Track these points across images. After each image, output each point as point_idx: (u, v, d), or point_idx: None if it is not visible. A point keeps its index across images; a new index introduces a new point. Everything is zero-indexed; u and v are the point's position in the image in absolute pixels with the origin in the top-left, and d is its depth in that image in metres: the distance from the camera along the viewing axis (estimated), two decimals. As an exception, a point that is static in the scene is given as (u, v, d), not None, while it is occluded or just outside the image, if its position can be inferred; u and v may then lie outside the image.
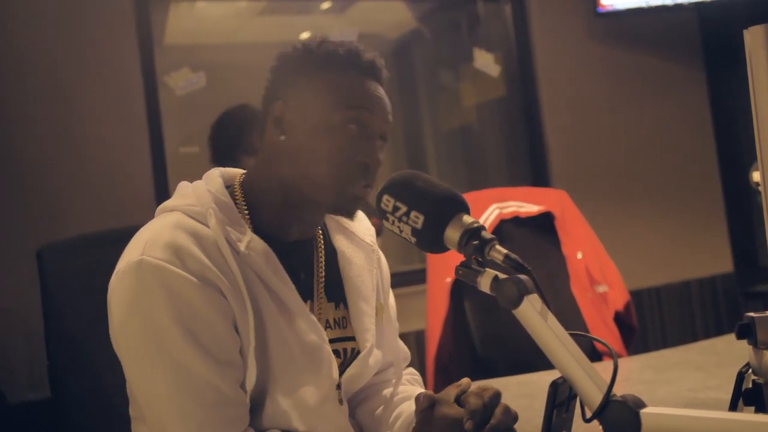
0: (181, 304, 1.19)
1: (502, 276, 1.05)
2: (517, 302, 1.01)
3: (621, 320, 2.93)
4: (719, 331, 4.50)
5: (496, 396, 1.22)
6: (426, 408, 1.22)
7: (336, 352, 1.39)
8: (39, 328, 1.60)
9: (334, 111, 1.31)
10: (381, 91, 1.37)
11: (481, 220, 2.85)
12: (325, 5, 4.53)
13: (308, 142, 1.31)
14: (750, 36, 0.97)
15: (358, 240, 1.50)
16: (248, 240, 1.28)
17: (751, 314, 1.00)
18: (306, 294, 1.38)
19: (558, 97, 4.34)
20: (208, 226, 1.26)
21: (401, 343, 1.61)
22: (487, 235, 1.07)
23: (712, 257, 4.61)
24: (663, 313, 4.49)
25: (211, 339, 1.21)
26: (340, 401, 1.36)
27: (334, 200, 1.33)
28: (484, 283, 1.06)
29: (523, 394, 1.81)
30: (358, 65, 1.35)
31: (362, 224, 1.53)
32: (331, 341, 1.38)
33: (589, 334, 1.08)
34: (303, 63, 1.35)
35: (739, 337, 1.01)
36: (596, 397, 0.96)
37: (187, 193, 1.34)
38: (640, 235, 4.40)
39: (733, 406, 1.04)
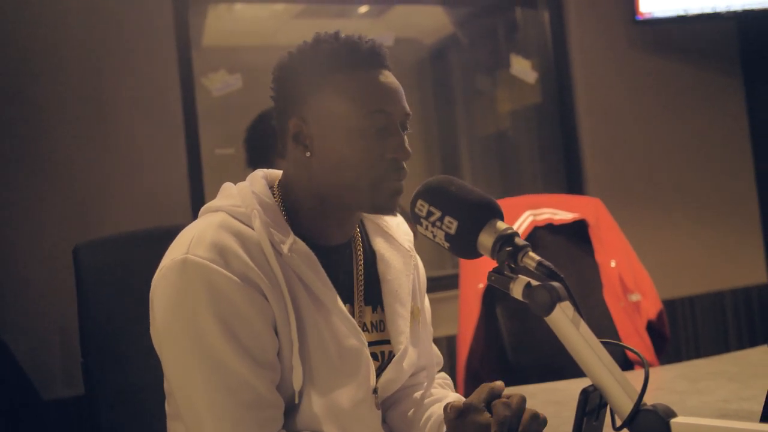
0: (222, 303, 1.21)
1: (534, 283, 1.05)
2: (550, 309, 1.02)
3: (653, 329, 2.91)
4: (753, 342, 4.45)
5: (523, 401, 1.22)
6: (453, 419, 1.22)
7: (374, 355, 1.40)
8: (73, 325, 1.62)
9: (352, 117, 1.30)
10: (390, 79, 1.34)
11: (515, 227, 2.86)
12: (363, 9, 4.55)
13: (334, 152, 1.31)
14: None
15: (397, 244, 1.50)
16: (291, 242, 1.29)
17: (785, 326, 0.99)
18: (346, 297, 1.38)
19: (594, 104, 4.32)
20: (252, 228, 1.28)
21: (435, 348, 1.62)
22: (520, 241, 1.07)
23: (747, 268, 4.56)
24: (696, 323, 4.44)
25: (251, 339, 1.22)
26: (377, 406, 1.37)
27: (373, 201, 1.32)
28: (517, 290, 1.06)
29: (552, 401, 1.81)
30: (360, 59, 1.32)
31: (401, 228, 1.53)
32: (369, 344, 1.39)
33: (620, 343, 1.08)
34: (306, 72, 1.33)
35: (773, 349, 1.00)
36: (627, 406, 0.96)
37: (231, 194, 1.35)
38: (674, 245, 4.36)
39: (764, 418, 1.03)
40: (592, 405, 1.03)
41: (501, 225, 1.10)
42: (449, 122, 5.26)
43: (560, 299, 1.02)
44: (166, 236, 1.33)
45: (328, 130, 1.31)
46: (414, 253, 1.52)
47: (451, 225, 1.11)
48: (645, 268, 3.05)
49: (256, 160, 2.95)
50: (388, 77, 1.34)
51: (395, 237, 1.50)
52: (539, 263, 1.04)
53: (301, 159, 1.34)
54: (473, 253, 1.11)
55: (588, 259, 2.91)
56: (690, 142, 4.48)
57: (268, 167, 1.49)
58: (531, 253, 1.06)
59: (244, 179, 1.41)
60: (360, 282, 1.42)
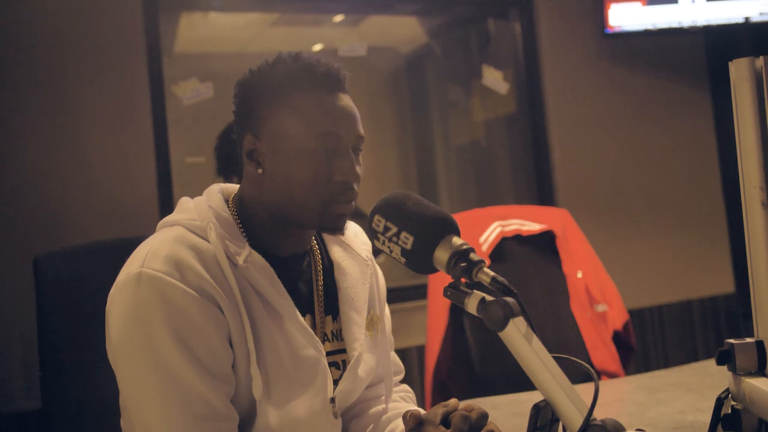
0: (178, 317, 1.21)
1: (489, 298, 1.06)
2: (503, 324, 1.03)
3: (620, 340, 2.94)
4: (721, 352, 4.49)
5: (483, 417, 1.23)
6: (413, 427, 1.23)
7: (335, 365, 1.41)
8: (35, 337, 1.61)
9: (303, 138, 1.31)
10: (345, 102, 1.36)
11: (483, 238, 2.89)
12: (338, 18, 4.55)
13: (284, 171, 1.32)
14: (734, 68, 0.99)
15: (354, 253, 1.51)
16: (247, 254, 1.29)
17: (731, 341, 1.02)
18: (306, 308, 1.40)
19: (565, 115, 4.36)
20: (208, 241, 1.28)
21: (395, 357, 1.63)
22: (475, 257, 1.09)
23: (715, 277, 4.61)
24: (665, 332, 4.49)
25: (206, 352, 1.22)
26: (335, 415, 1.38)
27: (319, 221, 1.35)
28: (471, 305, 1.07)
29: (516, 413, 1.82)
30: (316, 81, 1.34)
31: (359, 238, 1.55)
32: (330, 353, 1.40)
33: (572, 357, 1.09)
34: (262, 90, 1.35)
35: (719, 363, 1.02)
36: (577, 421, 0.97)
37: (188, 208, 1.36)
38: (643, 255, 4.40)
39: (712, 430, 1.05)
40: (544, 420, 1.05)
41: (456, 240, 1.11)
42: (425, 131, 5.29)
43: (513, 314, 1.03)
44: (129, 247, 1.34)
45: (279, 149, 1.33)
46: (372, 262, 1.53)
47: (407, 240, 1.12)
48: (613, 279, 3.07)
49: (226, 169, 2.95)
50: (343, 100, 1.36)
51: (352, 246, 1.52)
52: (493, 278, 1.05)
53: (254, 175, 1.36)
54: (429, 268, 1.12)
55: (555, 270, 2.93)
56: (658, 153, 4.54)
57: (238, 177, 1.50)
58: (485, 269, 1.07)
59: None
60: (319, 292, 1.43)
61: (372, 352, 1.47)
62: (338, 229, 1.37)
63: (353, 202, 1.36)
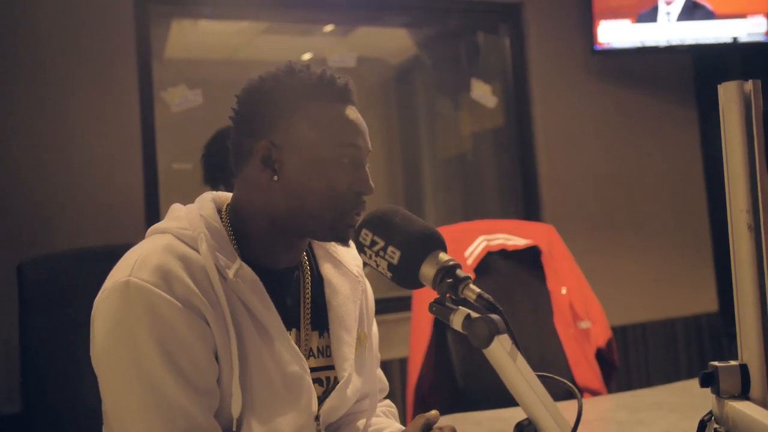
0: (163, 328, 1.20)
1: (474, 315, 1.06)
2: (488, 342, 1.03)
3: (603, 357, 2.94)
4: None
5: None
6: None
7: (319, 381, 1.40)
8: (16, 341, 1.59)
9: (325, 147, 1.32)
10: (359, 115, 1.39)
11: (469, 252, 2.89)
12: (328, 28, 4.56)
13: (302, 178, 1.32)
14: (723, 91, 0.99)
15: (345, 269, 1.51)
16: (237, 267, 1.28)
17: (715, 363, 1.02)
18: (291, 322, 1.39)
19: (552, 131, 4.37)
20: (198, 251, 1.27)
21: (381, 374, 1.62)
22: (461, 273, 1.09)
23: (698, 296, 4.63)
24: (648, 350, 4.50)
25: (190, 365, 1.21)
26: None
27: (331, 231, 1.34)
28: (457, 321, 1.07)
29: (497, 430, 1.82)
30: (334, 93, 1.36)
31: (350, 254, 1.54)
32: (315, 369, 1.40)
33: (557, 377, 1.09)
34: (279, 98, 1.35)
35: (703, 385, 1.02)
36: (560, 440, 0.97)
37: (179, 217, 1.34)
38: (628, 272, 4.42)
39: (694, 453, 1.05)
40: (526, 438, 1.04)
41: (443, 256, 1.11)
42: (412, 142, 5.29)
43: (498, 332, 1.03)
44: (113, 255, 1.32)
45: (299, 157, 1.32)
46: (363, 279, 1.53)
47: (394, 255, 1.12)
48: (597, 296, 3.08)
49: (213, 178, 2.93)
50: (358, 113, 1.38)
51: (344, 263, 1.51)
52: (479, 296, 1.05)
53: (263, 182, 1.34)
54: (415, 283, 1.12)
55: (539, 286, 2.94)
56: (644, 171, 4.55)
57: (225, 186, 1.49)
58: (471, 285, 1.07)
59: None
60: (307, 307, 1.42)
61: (358, 371, 1.47)
62: (346, 240, 1.38)
63: (361, 215, 1.36)
